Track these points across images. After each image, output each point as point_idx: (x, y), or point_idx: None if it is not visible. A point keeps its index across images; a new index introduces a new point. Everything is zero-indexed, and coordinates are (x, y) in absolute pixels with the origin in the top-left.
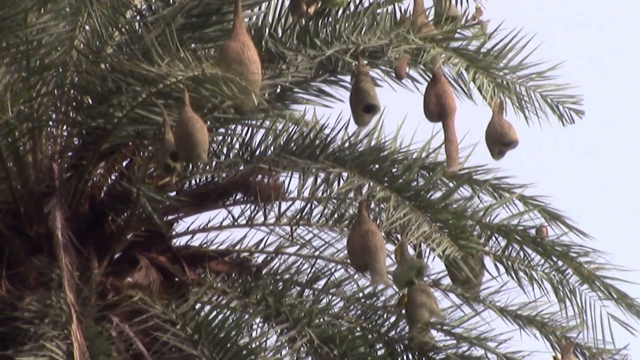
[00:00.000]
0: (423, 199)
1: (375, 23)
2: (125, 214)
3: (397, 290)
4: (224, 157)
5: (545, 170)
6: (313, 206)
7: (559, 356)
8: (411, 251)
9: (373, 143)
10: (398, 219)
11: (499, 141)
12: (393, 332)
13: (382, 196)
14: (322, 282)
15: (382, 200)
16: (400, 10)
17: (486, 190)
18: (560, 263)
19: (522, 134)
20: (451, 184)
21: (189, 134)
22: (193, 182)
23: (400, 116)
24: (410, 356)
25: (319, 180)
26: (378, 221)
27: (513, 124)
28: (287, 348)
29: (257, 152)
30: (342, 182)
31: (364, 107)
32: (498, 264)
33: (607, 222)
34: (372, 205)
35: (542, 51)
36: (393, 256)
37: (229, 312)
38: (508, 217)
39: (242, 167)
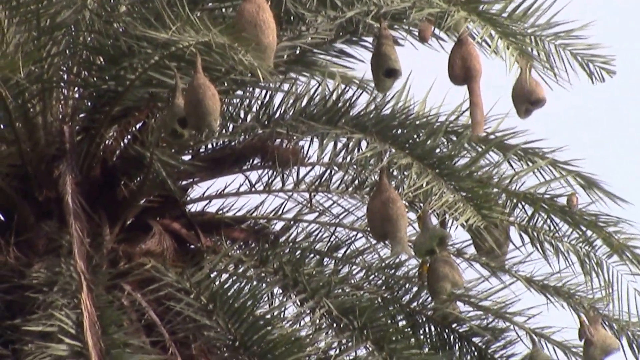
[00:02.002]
0: (447, 167)
1: None
2: (138, 179)
3: (418, 259)
4: (241, 120)
5: (577, 135)
6: (333, 172)
7: (585, 319)
8: (434, 220)
9: (397, 107)
10: (420, 188)
11: (525, 99)
12: (415, 303)
13: (404, 163)
14: (341, 251)
15: (404, 168)
16: None
17: (515, 155)
18: (589, 233)
19: (552, 97)
20: (479, 150)
21: (199, 101)
22: (209, 146)
23: (427, 80)
24: (432, 328)
25: (339, 146)
26: (400, 189)
27: (540, 82)
28: (305, 319)
29: (276, 116)
30: (363, 147)
31: (385, 71)
32: (523, 234)
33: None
34: (394, 173)
35: (572, 11)
36: (416, 225)
37: (245, 282)
38: (535, 185)
39: (260, 131)
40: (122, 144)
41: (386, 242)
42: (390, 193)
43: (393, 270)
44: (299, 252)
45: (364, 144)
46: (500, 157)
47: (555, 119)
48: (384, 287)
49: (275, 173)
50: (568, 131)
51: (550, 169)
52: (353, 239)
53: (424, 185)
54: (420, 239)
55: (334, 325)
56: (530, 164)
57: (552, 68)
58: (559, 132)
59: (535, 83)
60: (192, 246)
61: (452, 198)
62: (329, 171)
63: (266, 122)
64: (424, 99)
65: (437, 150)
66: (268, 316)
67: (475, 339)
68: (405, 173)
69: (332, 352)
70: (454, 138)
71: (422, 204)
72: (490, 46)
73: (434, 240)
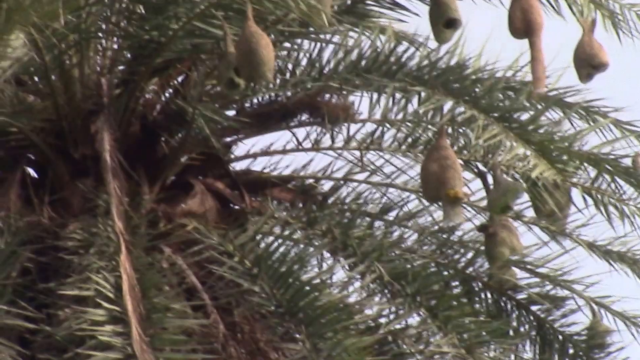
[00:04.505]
0: (513, 120)
1: None
2: (180, 135)
3: (487, 218)
4: (289, 74)
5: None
6: (385, 129)
7: None
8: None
9: (454, 61)
10: (487, 141)
11: (587, 63)
12: (470, 269)
13: (468, 116)
14: (393, 213)
15: (468, 122)
16: None
17: (577, 113)
18: None
19: (615, 58)
20: (538, 107)
21: (253, 50)
22: (255, 101)
23: (485, 32)
24: (488, 295)
25: (391, 102)
26: (457, 145)
27: (604, 46)
28: (354, 285)
29: (326, 70)
30: (417, 103)
31: (445, 21)
32: (586, 197)
33: None
34: (451, 130)
35: None
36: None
37: (291, 245)
38: (599, 144)
39: (309, 86)
40: (163, 98)
41: (440, 204)
42: (448, 152)
43: (447, 234)
44: (348, 213)
45: (417, 99)
46: (560, 115)
47: (618, 77)
48: (437, 252)
49: (324, 130)
50: (631, 90)
51: (613, 129)
52: (406, 200)
53: (491, 138)
54: (493, 194)
55: (385, 291)
56: (592, 124)
57: (616, 29)
58: (621, 91)
59: (599, 46)
60: (235, 207)
61: (522, 151)
62: (380, 128)
63: (316, 76)
64: (480, 52)
65: (502, 104)
66: (315, 281)
67: (534, 307)
68: (464, 129)
69: (382, 320)
70: (512, 94)
71: (485, 162)
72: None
73: (508, 196)
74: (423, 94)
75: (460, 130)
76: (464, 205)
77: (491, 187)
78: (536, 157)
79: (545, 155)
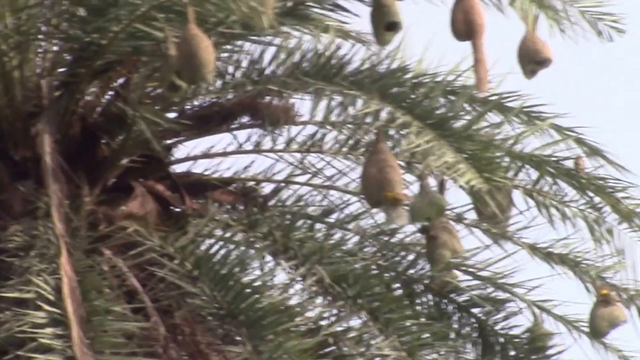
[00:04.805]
0: (447, 127)
1: None
2: (120, 138)
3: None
4: (229, 76)
5: (583, 99)
6: (326, 131)
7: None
8: (432, 184)
9: (395, 64)
10: (418, 147)
11: (531, 59)
12: (412, 272)
13: (402, 122)
14: (335, 216)
15: (403, 127)
16: None
17: (517, 118)
18: (597, 199)
19: (559, 57)
20: (478, 110)
21: (193, 53)
22: (195, 103)
23: (428, 35)
24: (430, 297)
25: (333, 104)
26: (396, 150)
27: (547, 42)
28: (295, 287)
29: (267, 72)
30: (358, 106)
31: (386, 25)
32: (528, 199)
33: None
34: (391, 133)
35: None
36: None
37: (232, 247)
38: (541, 146)
39: (249, 88)
40: (103, 101)
41: (381, 208)
42: (387, 156)
43: (389, 237)
44: (289, 216)
45: (359, 102)
46: (500, 119)
47: (560, 84)
48: (379, 254)
49: (265, 132)
50: (572, 97)
51: (554, 133)
52: (347, 203)
53: (423, 144)
54: (418, 203)
55: (326, 293)
56: (533, 127)
57: (558, 25)
58: (563, 97)
59: (542, 42)
60: (176, 209)
61: (452, 159)
62: (321, 130)
63: (256, 79)
64: (421, 56)
65: (438, 110)
66: (256, 284)
67: (475, 310)
68: (403, 133)
69: (323, 322)
70: (453, 98)
71: (420, 166)
72: (493, 2)
73: (433, 209)
74: (362, 99)
75: (400, 134)
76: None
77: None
78: (466, 165)
79: (474, 164)
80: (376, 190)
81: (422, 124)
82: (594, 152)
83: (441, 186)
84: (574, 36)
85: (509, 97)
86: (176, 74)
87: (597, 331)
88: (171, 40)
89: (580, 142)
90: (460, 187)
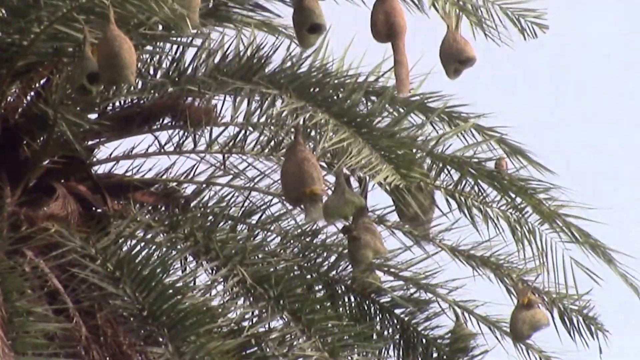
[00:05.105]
0: (365, 125)
1: None
2: (42, 138)
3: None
4: (150, 77)
5: (506, 101)
6: (247, 132)
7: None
8: (352, 183)
9: (315, 65)
10: (335, 144)
11: (454, 58)
12: (334, 273)
13: (319, 120)
14: (256, 217)
15: (320, 125)
16: None
17: (440, 118)
18: (518, 200)
19: (482, 58)
20: (401, 111)
21: (115, 53)
22: (117, 104)
23: (347, 37)
24: (352, 298)
25: (254, 105)
26: (315, 148)
27: (470, 41)
28: (217, 288)
29: (188, 72)
30: (278, 106)
31: (309, 27)
32: (450, 199)
33: (571, 157)
34: (311, 133)
35: None
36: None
37: (154, 248)
38: (462, 147)
39: (170, 89)
40: (24, 102)
41: (301, 207)
42: (306, 154)
43: (310, 238)
44: (211, 217)
45: (279, 103)
46: (423, 119)
47: (483, 85)
48: (300, 255)
49: (186, 133)
50: (494, 98)
51: (476, 134)
52: (268, 203)
53: (339, 142)
54: (333, 202)
55: (248, 294)
56: (455, 128)
57: (481, 24)
58: (485, 98)
59: (464, 41)
60: (98, 210)
61: (368, 156)
62: (243, 131)
63: (177, 79)
64: (342, 56)
65: (356, 108)
66: (178, 285)
67: (397, 311)
68: (322, 132)
69: (245, 323)
70: (375, 98)
71: (345, 163)
72: (415, 2)
73: (348, 207)
74: (283, 98)
75: (320, 133)
76: None
77: (335, 191)
78: (382, 162)
79: (391, 161)
80: (295, 187)
81: (339, 121)
82: (515, 152)
83: (362, 187)
84: (497, 35)
85: (430, 97)
86: (90, 75)
87: (518, 334)
88: (88, 42)
89: (502, 142)
90: (379, 185)
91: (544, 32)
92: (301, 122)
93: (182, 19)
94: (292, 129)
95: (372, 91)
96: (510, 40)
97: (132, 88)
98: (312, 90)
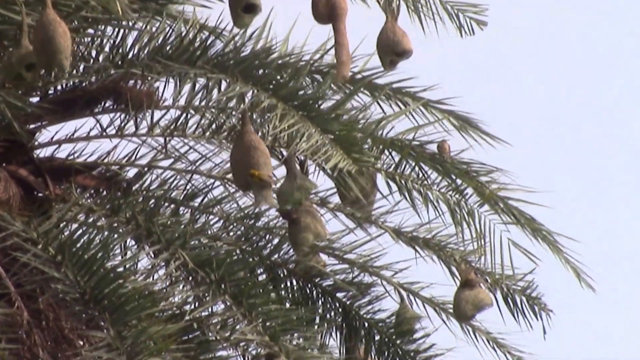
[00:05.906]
0: (313, 108)
1: None
2: None
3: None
4: (92, 60)
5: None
6: (189, 116)
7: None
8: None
9: (259, 47)
10: (284, 130)
11: (391, 50)
12: (276, 256)
13: (267, 104)
14: (198, 200)
15: (268, 110)
16: None
17: (385, 96)
18: (459, 182)
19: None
20: (346, 92)
21: (49, 39)
22: (58, 87)
23: (290, 18)
24: (294, 282)
25: (196, 88)
26: (261, 133)
27: (408, 33)
28: (159, 272)
29: (130, 56)
30: (223, 89)
31: (243, 6)
32: (390, 182)
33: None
34: (256, 116)
35: None
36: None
37: (95, 232)
38: (404, 131)
39: (112, 72)
40: None
41: (249, 192)
42: (253, 139)
43: (253, 221)
44: (153, 200)
45: (223, 86)
46: (369, 99)
47: (428, 61)
48: (243, 239)
49: (128, 116)
50: (441, 72)
51: (423, 111)
52: (210, 187)
53: (288, 127)
54: (287, 187)
55: (190, 278)
56: (401, 105)
57: (419, 16)
58: (431, 72)
59: (402, 33)
60: (39, 194)
61: (319, 141)
62: (185, 115)
63: (119, 62)
64: (286, 38)
65: (303, 91)
66: (120, 269)
67: (340, 294)
68: (269, 116)
69: (187, 307)
70: (320, 78)
71: (285, 149)
72: None
73: (302, 193)
74: (226, 82)
75: (266, 117)
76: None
77: (287, 177)
78: (333, 147)
79: (342, 145)
80: (243, 173)
81: (287, 105)
82: (465, 123)
83: (303, 169)
84: (435, 28)
85: (376, 75)
86: (27, 62)
87: (462, 315)
88: (25, 29)
89: (451, 114)
90: (320, 167)
91: (482, 28)
92: (248, 107)
93: (112, 1)
94: (238, 114)
95: (317, 71)
96: (448, 35)
97: (74, 71)
98: (257, 72)
